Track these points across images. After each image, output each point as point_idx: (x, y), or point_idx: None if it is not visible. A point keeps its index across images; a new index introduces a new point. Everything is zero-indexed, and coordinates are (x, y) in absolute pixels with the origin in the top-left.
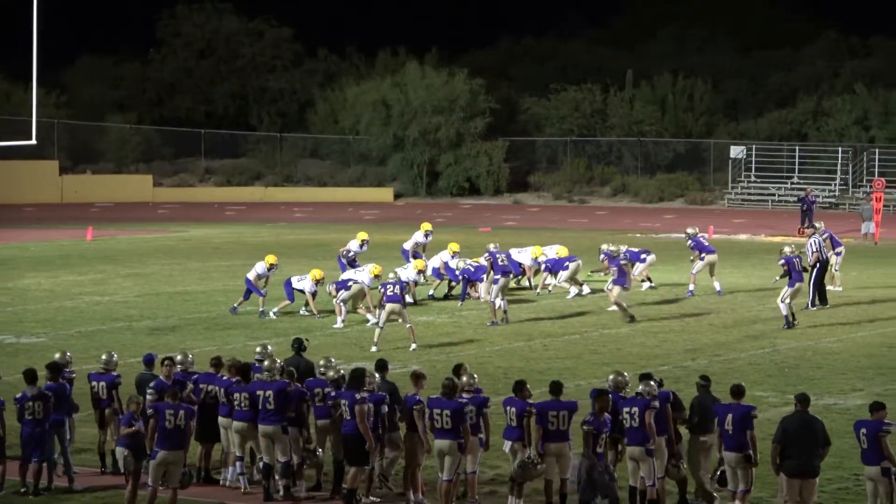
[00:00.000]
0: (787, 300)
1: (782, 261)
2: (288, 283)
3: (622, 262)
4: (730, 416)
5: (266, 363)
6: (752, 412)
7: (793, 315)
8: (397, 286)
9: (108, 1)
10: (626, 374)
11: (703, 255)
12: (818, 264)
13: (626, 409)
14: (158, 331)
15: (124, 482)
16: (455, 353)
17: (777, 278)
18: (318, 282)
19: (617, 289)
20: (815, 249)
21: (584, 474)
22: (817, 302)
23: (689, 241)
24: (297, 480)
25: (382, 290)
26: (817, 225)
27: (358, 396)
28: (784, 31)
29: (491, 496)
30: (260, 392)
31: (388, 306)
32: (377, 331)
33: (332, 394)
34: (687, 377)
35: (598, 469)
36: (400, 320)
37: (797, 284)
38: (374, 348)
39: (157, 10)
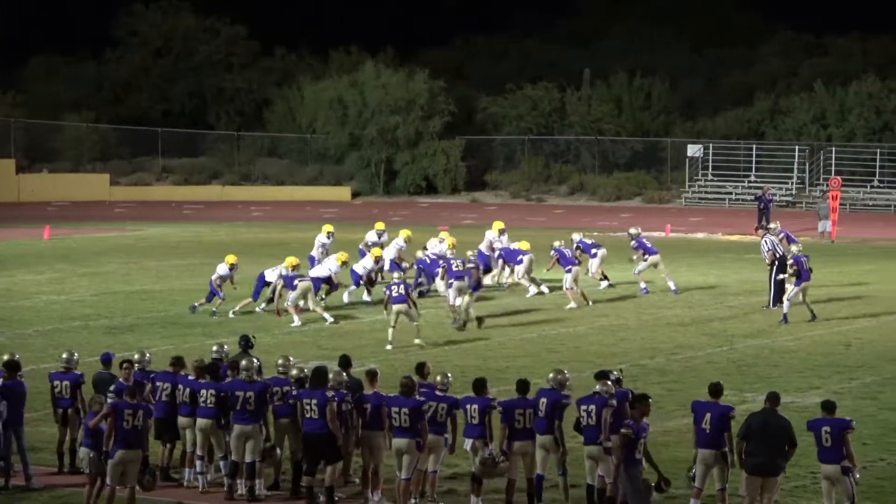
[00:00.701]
0: (797, 299)
1: (791, 260)
2: (260, 278)
3: (471, 267)
4: (708, 416)
5: (244, 363)
6: (731, 412)
7: (811, 311)
8: (402, 286)
9: (64, 0)
10: (566, 371)
11: (646, 255)
12: (776, 263)
13: (583, 407)
14: (115, 330)
15: (83, 481)
16: (413, 351)
17: (787, 275)
18: (294, 268)
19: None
20: (768, 248)
21: (635, 483)
22: (773, 301)
23: (633, 242)
24: (258, 480)
25: (387, 291)
26: (772, 226)
27: (329, 395)
28: (739, 29)
29: (449, 495)
30: (240, 393)
31: (395, 307)
32: (390, 330)
33: (294, 392)
34: (645, 376)
35: (635, 474)
36: (407, 319)
37: (803, 284)
38: (388, 346)
39: (113, 9)
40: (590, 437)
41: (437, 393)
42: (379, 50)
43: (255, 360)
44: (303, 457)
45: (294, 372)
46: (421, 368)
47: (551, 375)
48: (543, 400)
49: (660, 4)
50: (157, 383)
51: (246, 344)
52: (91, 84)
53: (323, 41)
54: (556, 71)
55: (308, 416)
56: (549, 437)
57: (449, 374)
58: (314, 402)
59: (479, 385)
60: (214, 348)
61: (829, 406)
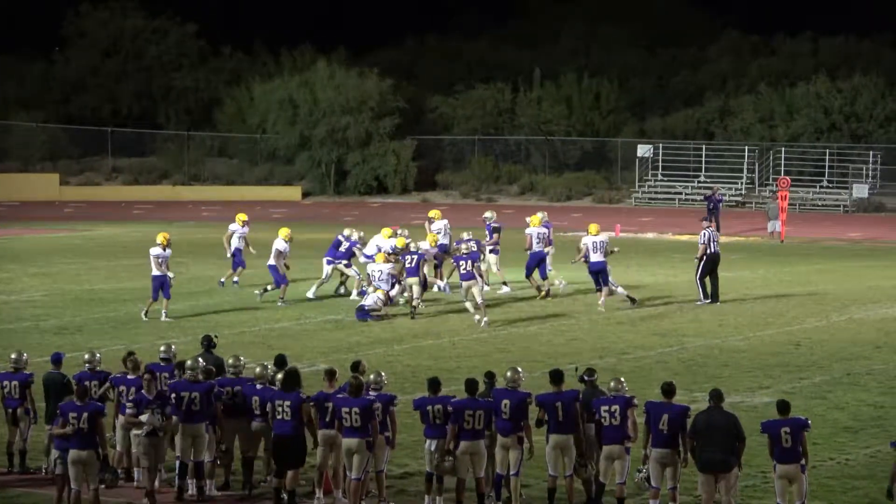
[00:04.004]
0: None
1: None
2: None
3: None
4: (665, 416)
5: (189, 362)
6: (688, 412)
7: None
8: (469, 261)
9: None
10: (519, 370)
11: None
12: (704, 258)
13: (603, 408)
14: (65, 330)
15: (34, 481)
16: (363, 351)
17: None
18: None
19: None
20: (703, 241)
21: None
22: (704, 297)
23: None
24: (208, 480)
25: (455, 262)
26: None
27: (303, 396)
28: (690, 29)
29: (400, 494)
30: (185, 393)
31: (464, 283)
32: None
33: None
34: None
35: None
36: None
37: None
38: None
39: (61, 9)
40: (611, 437)
41: (372, 392)
42: (330, 49)
43: (200, 361)
44: (272, 458)
45: (258, 370)
46: (356, 367)
47: (508, 374)
48: (506, 402)
49: (610, 5)
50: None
51: (209, 343)
52: (40, 84)
53: (272, 41)
54: (507, 71)
55: (279, 417)
56: (513, 437)
57: (382, 373)
58: (287, 403)
59: (435, 385)
60: (162, 348)
61: (783, 406)
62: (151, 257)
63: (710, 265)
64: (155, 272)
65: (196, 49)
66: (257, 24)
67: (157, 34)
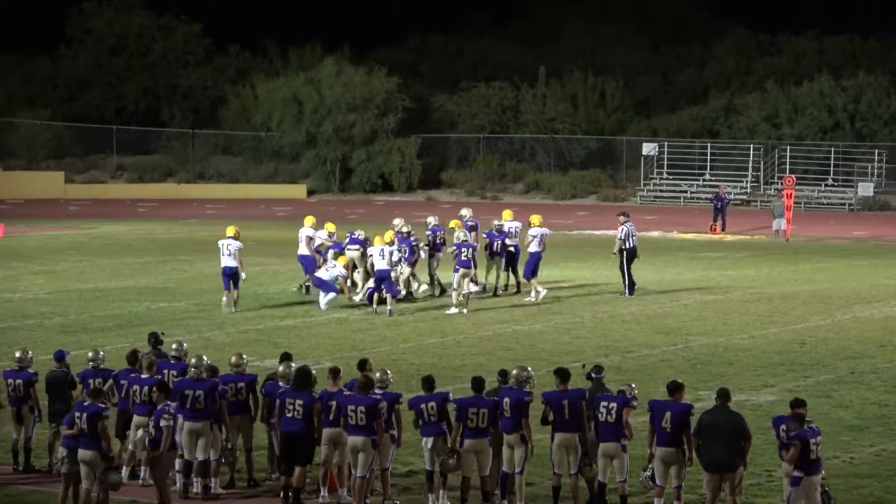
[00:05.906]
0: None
1: None
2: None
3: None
4: (668, 414)
5: (193, 360)
6: (691, 410)
7: None
8: (470, 249)
9: None
10: (528, 368)
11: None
12: (625, 251)
13: (602, 404)
14: (70, 328)
15: (38, 480)
16: (368, 349)
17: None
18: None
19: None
20: (620, 237)
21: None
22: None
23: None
24: (213, 478)
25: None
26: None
27: (315, 396)
28: (694, 27)
29: (405, 492)
30: (189, 391)
31: (461, 270)
32: (454, 294)
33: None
34: None
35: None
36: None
37: None
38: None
39: (67, 6)
40: (606, 434)
41: (377, 390)
42: (335, 48)
43: (204, 359)
44: (281, 456)
45: (282, 369)
46: (363, 365)
47: (515, 372)
48: (507, 399)
49: (612, 4)
50: (121, 382)
51: (156, 340)
52: (45, 82)
53: (277, 39)
54: (511, 70)
55: (289, 415)
56: (515, 435)
57: (388, 371)
58: (298, 402)
59: (430, 383)
60: (174, 346)
61: (795, 403)
62: (234, 249)
63: (629, 260)
64: (228, 263)
65: (201, 47)
66: (262, 23)
67: (162, 32)
